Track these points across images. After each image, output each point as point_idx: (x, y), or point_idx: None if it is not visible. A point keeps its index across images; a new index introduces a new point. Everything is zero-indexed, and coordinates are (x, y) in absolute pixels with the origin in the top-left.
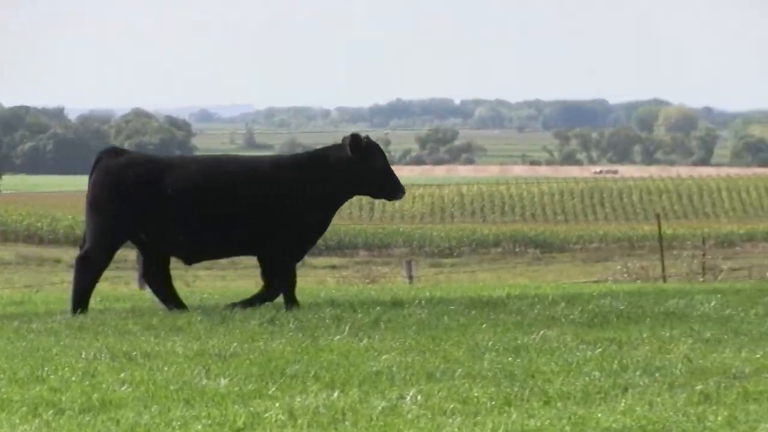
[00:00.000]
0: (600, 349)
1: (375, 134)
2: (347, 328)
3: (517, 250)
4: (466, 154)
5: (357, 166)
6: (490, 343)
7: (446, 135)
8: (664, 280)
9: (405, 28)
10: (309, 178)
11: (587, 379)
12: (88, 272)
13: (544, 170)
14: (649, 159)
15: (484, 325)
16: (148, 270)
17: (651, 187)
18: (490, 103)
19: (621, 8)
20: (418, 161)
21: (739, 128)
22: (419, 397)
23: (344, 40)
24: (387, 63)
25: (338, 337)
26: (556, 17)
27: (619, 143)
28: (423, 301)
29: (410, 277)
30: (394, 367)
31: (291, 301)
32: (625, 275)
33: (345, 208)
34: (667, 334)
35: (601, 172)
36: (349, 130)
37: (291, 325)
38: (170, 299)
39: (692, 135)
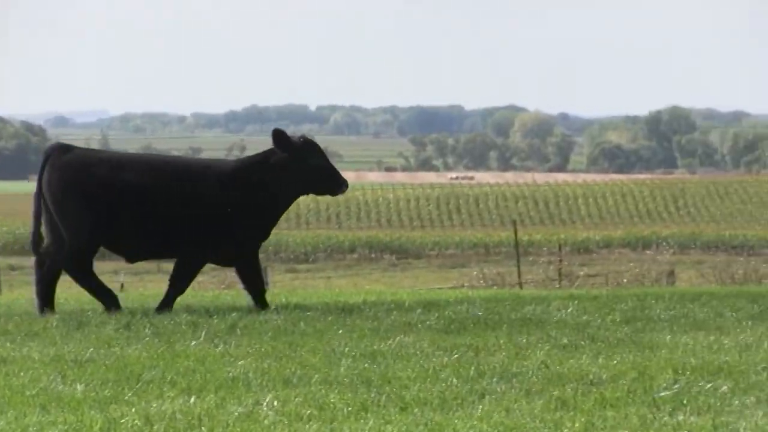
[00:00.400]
0: (457, 356)
1: (230, 140)
2: (203, 334)
3: (372, 256)
4: None
5: (299, 165)
6: (346, 349)
7: None
8: (521, 287)
9: (260, 33)
10: (256, 180)
11: (444, 385)
12: (84, 275)
13: (400, 176)
14: (505, 165)
15: (341, 331)
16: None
17: (507, 194)
18: (346, 109)
19: (475, 14)
20: None
21: (596, 134)
22: (276, 403)
23: (200, 46)
24: (243, 69)
25: (194, 342)
26: (411, 22)
27: (475, 149)
28: (279, 307)
29: (266, 283)
30: (251, 372)
31: (167, 306)
32: (482, 281)
33: None
34: (524, 341)
35: (457, 178)
36: (205, 136)
37: (147, 330)
38: (49, 303)
39: (548, 141)
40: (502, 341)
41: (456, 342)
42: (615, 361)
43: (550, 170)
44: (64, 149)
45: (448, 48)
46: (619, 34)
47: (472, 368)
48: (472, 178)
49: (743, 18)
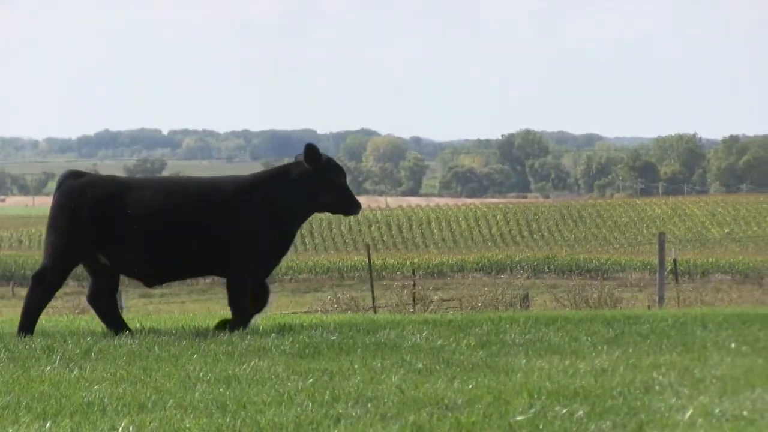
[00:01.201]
0: (311, 380)
1: (83, 164)
2: (58, 359)
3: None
4: None
5: (317, 183)
6: (201, 373)
7: (154, 165)
8: (375, 311)
9: (112, 57)
10: (270, 196)
11: (299, 409)
12: (40, 291)
13: None
14: (358, 189)
15: (195, 356)
16: (94, 293)
17: (360, 218)
18: (198, 133)
19: (324, 37)
20: None
21: (448, 158)
22: (131, 428)
23: (53, 70)
24: (95, 93)
25: (49, 367)
26: (260, 46)
27: None
28: (133, 332)
29: (120, 308)
30: (106, 397)
31: (242, 325)
32: (336, 306)
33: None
34: (379, 365)
35: None
36: (58, 161)
37: (2, 355)
38: (116, 323)
39: (401, 165)
40: (356, 366)
41: (311, 366)
42: (470, 386)
43: (403, 194)
44: (75, 175)
45: (299, 72)
46: (469, 58)
47: (327, 393)
48: None
49: (592, 42)
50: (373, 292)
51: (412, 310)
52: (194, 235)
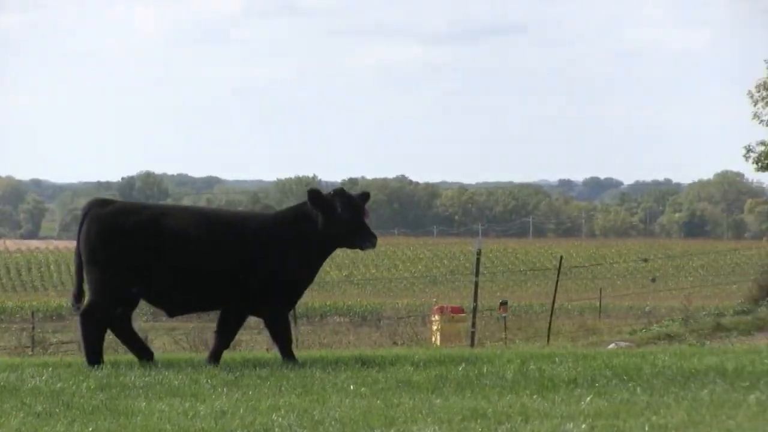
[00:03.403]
0: None
1: None
2: None
3: None
4: None
5: (327, 220)
6: None
7: None
8: None
9: None
10: (293, 233)
11: None
12: (94, 325)
13: None
14: None
15: None
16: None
17: None
18: None
19: None
20: None
21: (68, 201)
22: None
23: None
24: None
25: None
26: None
27: None
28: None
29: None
30: None
31: (216, 358)
32: None
33: None
34: None
35: None
36: None
37: None
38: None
39: (21, 208)
40: None
41: None
42: (90, 429)
43: (23, 237)
44: (103, 203)
45: None
46: (87, 99)
47: None
48: None
49: (211, 86)
50: None
51: (31, 353)
52: (220, 268)
